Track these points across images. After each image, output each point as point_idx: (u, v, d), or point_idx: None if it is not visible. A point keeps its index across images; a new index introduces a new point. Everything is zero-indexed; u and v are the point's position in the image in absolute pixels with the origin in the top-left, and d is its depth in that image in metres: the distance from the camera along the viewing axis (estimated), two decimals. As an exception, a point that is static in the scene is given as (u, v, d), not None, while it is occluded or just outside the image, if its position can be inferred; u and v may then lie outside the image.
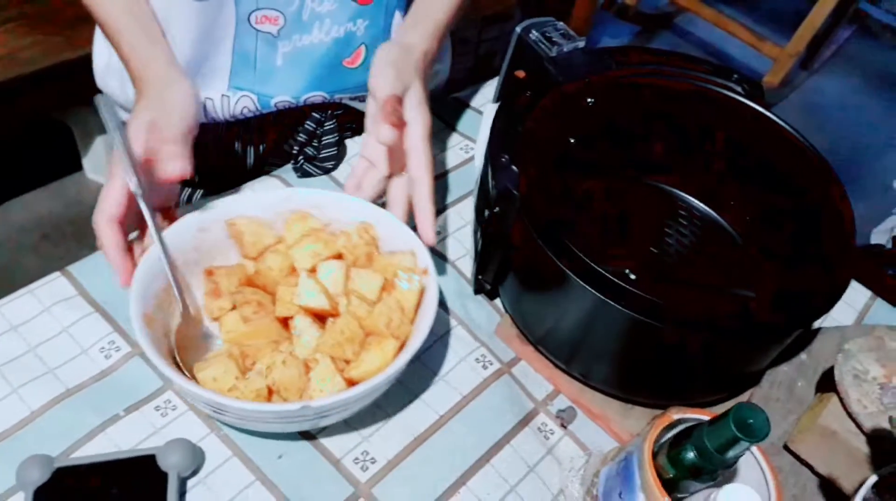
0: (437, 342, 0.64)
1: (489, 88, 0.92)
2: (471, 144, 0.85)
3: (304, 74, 0.72)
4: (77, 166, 1.99)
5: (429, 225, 0.62)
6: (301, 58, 0.71)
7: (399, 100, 0.61)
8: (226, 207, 0.61)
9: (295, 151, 0.77)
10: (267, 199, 0.63)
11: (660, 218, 0.73)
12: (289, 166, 0.78)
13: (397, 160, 0.64)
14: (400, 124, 0.61)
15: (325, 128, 0.77)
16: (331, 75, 0.73)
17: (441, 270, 0.71)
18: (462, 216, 0.76)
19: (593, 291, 0.55)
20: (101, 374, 0.58)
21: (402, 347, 0.56)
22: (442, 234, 0.74)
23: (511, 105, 0.64)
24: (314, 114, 0.77)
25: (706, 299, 0.65)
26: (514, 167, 0.58)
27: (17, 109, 1.73)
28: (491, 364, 0.64)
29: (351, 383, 0.54)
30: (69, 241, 1.83)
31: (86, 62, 1.76)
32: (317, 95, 0.74)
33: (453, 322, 0.66)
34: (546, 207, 0.58)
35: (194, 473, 0.53)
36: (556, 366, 0.64)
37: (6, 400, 0.55)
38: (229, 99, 0.72)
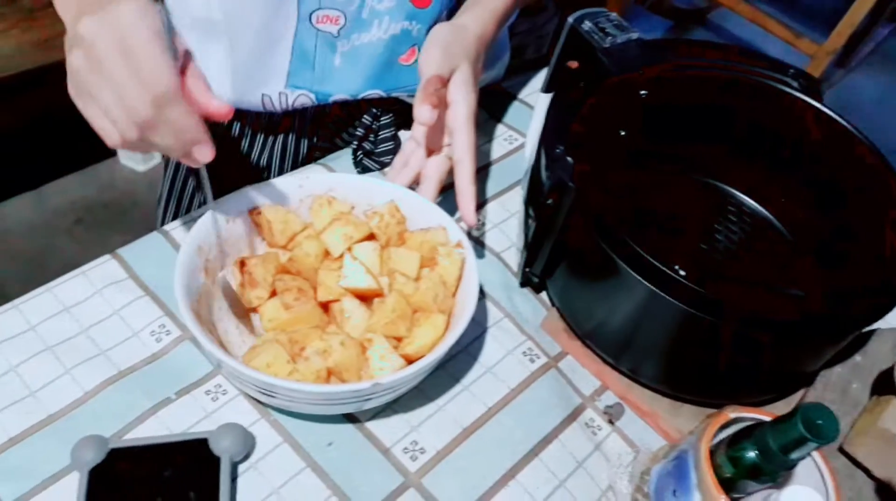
0: (484, 333, 0.64)
1: (535, 80, 0.91)
2: (515, 134, 0.84)
3: (361, 73, 0.72)
4: (111, 152, 2.01)
5: (470, 207, 0.62)
6: (359, 56, 0.71)
7: (443, 80, 0.61)
8: (248, 197, 0.61)
9: (354, 146, 0.77)
10: (283, 186, 0.63)
11: (709, 214, 0.72)
12: (334, 155, 0.78)
13: (437, 140, 0.65)
14: (441, 105, 0.60)
15: (382, 122, 0.76)
16: (387, 73, 0.73)
17: (486, 262, 0.70)
18: (506, 208, 0.75)
19: (649, 285, 0.54)
20: (152, 357, 0.58)
21: (448, 320, 0.57)
22: (486, 225, 0.74)
23: (565, 96, 0.63)
24: (372, 108, 0.76)
25: (759, 296, 0.64)
26: (568, 159, 0.57)
27: (54, 94, 1.75)
28: (538, 358, 0.63)
29: (407, 359, 0.54)
30: (102, 225, 1.85)
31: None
32: (373, 93, 0.74)
33: (499, 315, 0.66)
34: (600, 199, 0.57)
35: (245, 458, 0.53)
36: (604, 361, 0.64)
37: (60, 381, 0.56)
38: (287, 96, 0.72)
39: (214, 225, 0.58)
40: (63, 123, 2.01)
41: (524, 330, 0.65)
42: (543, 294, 0.69)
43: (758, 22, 2.61)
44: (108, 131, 0.48)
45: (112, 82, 0.45)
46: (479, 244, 0.71)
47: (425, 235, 0.61)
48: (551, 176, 0.57)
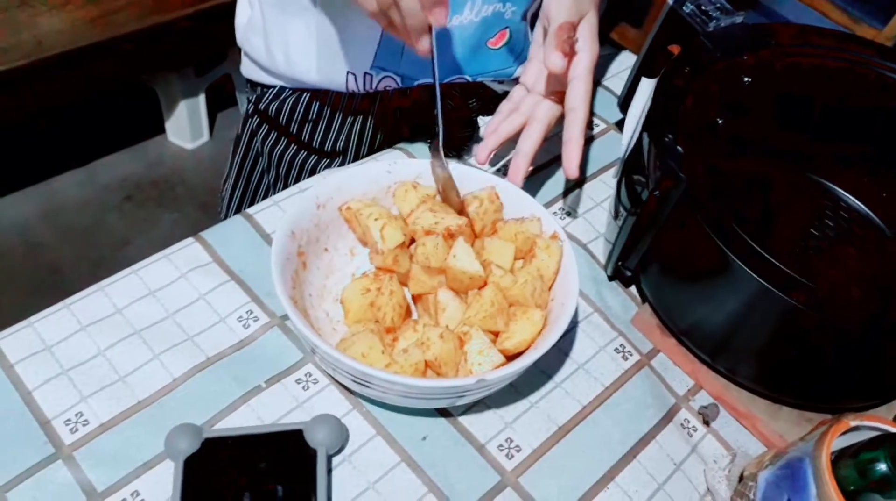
0: (575, 328, 0.62)
1: (615, 63, 0.88)
2: (596, 120, 0.81)
3: (449, 57, 0.70)
4: (160, 130, 2.01)
5: (575, 157, 0.61)
6: (448, 39, 0.69)
7: (574, 27, 0.60)
8: (337, 181, 0.59)
9: (435, 130, 0.75)
10: (372, 172, 0.61)
11: (807, 210, 0.69)
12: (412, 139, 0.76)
13: (550, 87, 0.64)
14: (571, 53, 0.59)
15: (463, 107, 0.74)
16: (474, 57, 0.70)
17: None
18: (591, 197, 0.73)
19: (761, 280, 0.51)
20: (240, 344, 0.57)
21: (545, 315, 0.55)
22: (571, 215, 0.71)
23: (671, 82, 0.60)
24: (454, 93, 0.74)
25: (871, 296, 0.61)
26: (678, 148, 0.54)
27: (105, 71, 1.75)
28: (631, 355, 0.61)
29: (505, 354, 0.53)
30: (151, 203, 1.85)
31: (172, 27, 1.76)
32: (459, 79, 0.72)
33: (589, 309, 0.63)
34: (710, 191, 0.54)
35: (339, 450, 0.52)
36: (700, 360, 0.61)
37: (149, 366, 0.55)
38: (372, 77, 0.70)
39: (306, 210, 0.57)
40: (114, 100, 2.02)
41: (615, 326, 0.63)
42: (632, 288, 0.66)
43: (814, 6, 2.52)
44: None
45: None
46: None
47: (520, 225, 0.59)
48: (661, 166, 0.54)
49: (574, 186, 0.73)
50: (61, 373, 0.53)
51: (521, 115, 0.65)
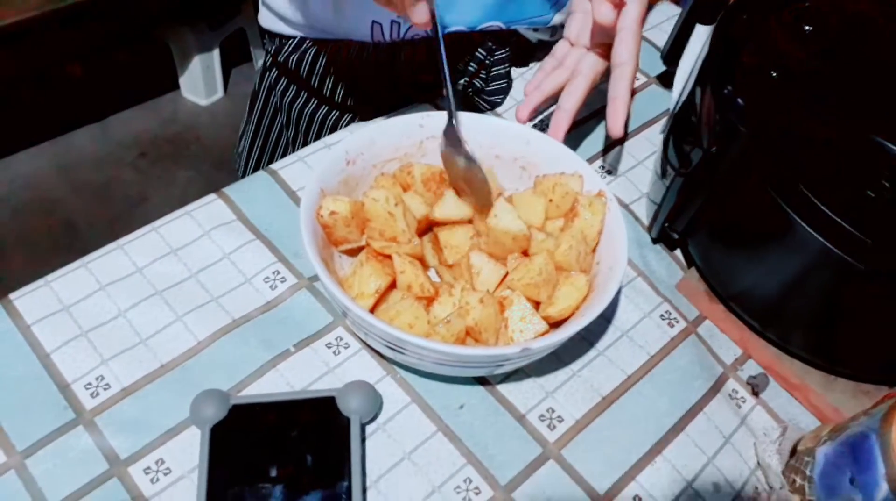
0: (618, 293, 0.58)
1: (657, 14, 0.83)
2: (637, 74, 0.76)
3: (482, 2, 0.65)
4: (174, 85, 1.97)
5: (622, 115, 0.58)
6: None
7: None
8: (367, 135, 0.56)
9: (464, 82, 0.70)
10: (404, 125, 0.57)
11: (865, 170, 0.65)
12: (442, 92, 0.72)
13: (595, 40, 0.61)
14: (621, 4, 0.56)
15: (496, 58, 0.70)
16: (509, 3, 0.66)
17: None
18: (633, 155, 0.69)
19: (827, 243, 0.48)
20: (266, 305, 0.54)
21: (590, 280, 0.52)
22: (613, 174, 0.67)
23: (728, 29, 0.55)
24: (487, 42, 0.70)
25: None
26: (739, 100, 0.50)
27: (119, 26, 1.71)
28: (677, 322, 0.58)
29: (548, 320, 0.50)
30: (166, 159, 1.82)
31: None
32: (493, 25, 0.67)
33: (632, 273, 0.60)
34: (773, 146, 0.50)
35: (373, 418, 0.49)
36: (750, 327, 0.58)
37: (172, 328, 0.52)
38: (399, 26, 0.66)
39: (335, 166, 0.53)
40: (127, 55, 1.97)
41: (659, 291, 0.59)
42: (678, 252, 0.63)
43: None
44: None
45: None
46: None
47: (559, 178, 0.55)
48: (720, 120, 0.50)
49: (615, 143, 0.69)
50: (80, 335, 0.51)
51: (565, 69, 0.61)
